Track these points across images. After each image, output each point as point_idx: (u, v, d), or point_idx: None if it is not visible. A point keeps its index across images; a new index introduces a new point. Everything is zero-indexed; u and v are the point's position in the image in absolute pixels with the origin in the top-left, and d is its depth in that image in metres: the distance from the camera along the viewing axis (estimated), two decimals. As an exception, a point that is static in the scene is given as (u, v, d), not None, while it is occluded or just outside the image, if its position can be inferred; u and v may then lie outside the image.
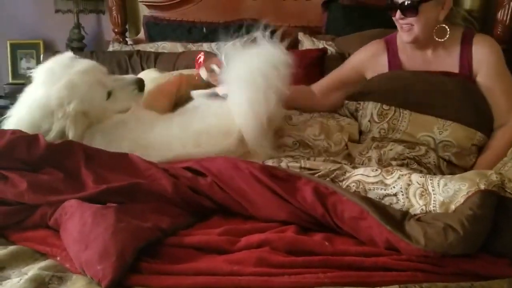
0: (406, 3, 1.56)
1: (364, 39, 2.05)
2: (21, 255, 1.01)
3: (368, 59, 1.76)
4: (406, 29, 1.60)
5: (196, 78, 1.72)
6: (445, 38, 1.62)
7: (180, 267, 0.94)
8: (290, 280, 0.91)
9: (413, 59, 1.69)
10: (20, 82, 2.99)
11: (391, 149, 1.50)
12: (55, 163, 1.23)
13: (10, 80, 3.13)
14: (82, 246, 0.96)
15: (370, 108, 1.64)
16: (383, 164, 1.45)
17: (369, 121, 1.63)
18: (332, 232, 1.12)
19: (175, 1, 2.76)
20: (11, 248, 1.03)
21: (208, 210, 1.19)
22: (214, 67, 1.63)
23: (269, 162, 1.42)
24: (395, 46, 1.73)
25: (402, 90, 1.62)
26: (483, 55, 1.60)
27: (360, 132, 1.70)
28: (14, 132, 1.28)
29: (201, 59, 1.72)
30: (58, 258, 1.00)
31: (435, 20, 1.60)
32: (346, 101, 1.75)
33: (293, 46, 2.56)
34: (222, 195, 1.18)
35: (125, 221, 1.01)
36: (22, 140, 1.23)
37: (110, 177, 1.19)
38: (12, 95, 2.97)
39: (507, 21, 2.31)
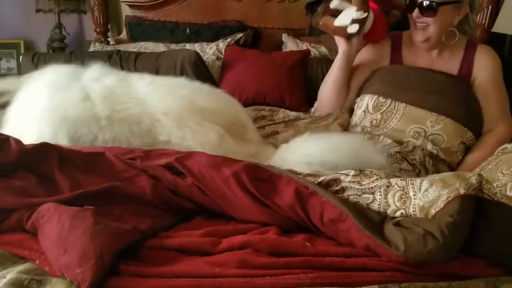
0: (425, 3, 1.60)
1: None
2: (-1, 258, 1.00)
3: (375, 53, 1.81)
4: (421, 28, 1.65)
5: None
6: (453, 42, 1.68)
7: (160, 269, 0.93)
8: (272, 281, 0.91)
9: (417, 58, 1.74)
10: None
11: (380, 141, 1.52)
12: (28, 167, 1.19)
13: (-10, 80, 3.08)
14: (61, 249, 0.95)
15: (366, 99, 1.69)
16: None
17: (363, 111, 1.66)
18: (313, 233, 1.12)
19: (157, 1, 2.75)
20: (-12, 251, 1.02)
21: (190, 211, 1.19)
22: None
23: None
24: (400, 43, 1.78)
25: (399, 83, 1.66)
26: (484, 62, 1.68)
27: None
28: None
29: None
30: (37, 262, 0.99)
31: (449, 24, 1.66)
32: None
33: (277, 47, 2.58)
34: (203, 197, 1.17)
35: (104, 224, 1.00)
36: None
37: (86, 181, 1.16)
38: (-8, 95, 2.94)
39: (486, 24, 2.35)
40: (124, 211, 1.09)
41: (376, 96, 1.66)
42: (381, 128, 1.59)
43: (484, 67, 1.68)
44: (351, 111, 1.79)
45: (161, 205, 1.16)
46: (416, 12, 1.63)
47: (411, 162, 1.46)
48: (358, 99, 1.73)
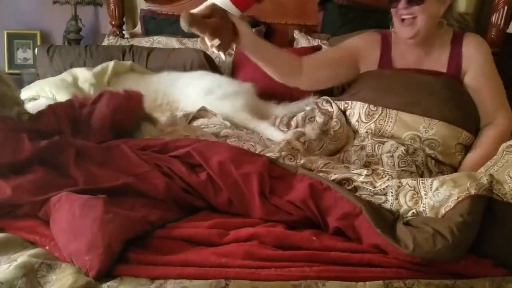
0: None
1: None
2: (11, 242, 1.02)
3: (364, 47, 1.73)
4: (408, 22, 1.57)
5: None
6: (442, 31, 1.61)
7: (168, 258, 0.95)
8: (277, 273, 0.92)
9: (405, 57, 1.68)
10: (16, 72, 3.00)
11: (385, 141, 1.51)
12: (43, 162, 1.20)
13: (6, 70, 3.12)
14: (70, 236, 0.97)
15: (358, 108, 1.64)
16: (375, 158, 1.47)
17: (357, 121, 1.63)
18: (321, 229, 1.13)
19: (172, -4, 2.77)
20: (1, 235, 1.04)
21: (199, 207, 1.20)
22: None
23: (268, 153, 1.40)
24: (390, 42, 1.71)
25: (388, 89, 1.61)
26: (473, 53, 1.60)
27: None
28: None
29: None
30: (47, 248, 1.01)
31: (436, 14, 1.58)
32: (336, 101, 1.74)
33: (288, 43, 2.59)
34: (215, 197, 1.17)
35: (114, 212, 1.01)
36: (6, 145, 1.20)
37: (101, 174, 1.18)
38: (7, 85, 2.98)
39: (501, 25, 2.33)
40: (135, 202, 1.11)
41: (366, 105, 1.61)
42: (378, 137, 1.56)
43: (473, 59, 1.60)
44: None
45: (172, 202, 1.17)
46: (402, 2, 1.55)
47: (415, 164, 1.45)
48: (348, 106, 1.68)
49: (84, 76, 2.01)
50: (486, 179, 1.05)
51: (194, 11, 1.36)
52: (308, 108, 1.80)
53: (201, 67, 2.18)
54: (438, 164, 1.50)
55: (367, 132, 1.59)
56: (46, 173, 1.18)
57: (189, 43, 2.51)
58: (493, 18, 2.35)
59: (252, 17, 2.66)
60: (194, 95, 1.89)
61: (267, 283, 0.89)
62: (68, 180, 1.18)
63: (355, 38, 1.77)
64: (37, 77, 2.64)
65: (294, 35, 2.58)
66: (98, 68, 2.08)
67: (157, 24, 2.72)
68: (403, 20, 1.58)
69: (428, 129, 1.52)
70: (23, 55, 3.15)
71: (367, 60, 1.71)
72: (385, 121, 1.57)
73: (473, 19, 2.26)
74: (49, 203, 1.09)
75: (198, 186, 1.18)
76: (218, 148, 1.29)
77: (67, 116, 1.44)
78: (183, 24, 1.31)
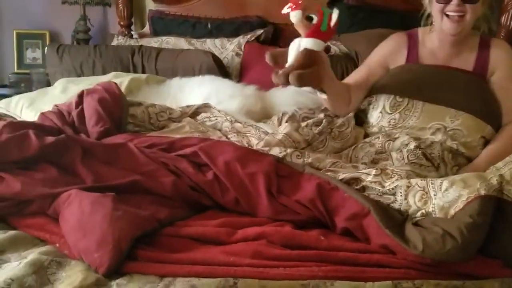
0: None
1: (371, 37, 2.06)
2: (21, 239, 1.03)
3: (391, 51, 1.76)
4: (456, 19, 1.58)
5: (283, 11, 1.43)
6: (471, 33, 1.65)
7: (176, 256, 0.95)
8: (285, 272, 0.92)
9: (435, 55, 1.70)
10: (25, 72, 3.02)
11: (397, 137, 1.51)
12: (50, 161, 1.21)
13: (15, 70, 3.14)
14: (80, 234, 0.98)
15: (382, 100, 1.65)
16: (384, 154, 1.46)
17: (380, 112, 1.64)
18: (329, 229, 1.13)
19: (180, -4, 2.77)
20: (12, 232, 1.05)
21: (207, 206, 1.20)
22: (314, 16, 1.37)
23: (276, 151, 1.40)
24: (417, 40, 1.74)
25: (415, 82, 1.63)
26: (501, 57, 1.66)
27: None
28: (1, 131, 1.24)
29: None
30: (57, 245, 1.02)
31: (479, 14, 1.62)
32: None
33: (297, 44, 2.58)
34: (222, 196, 1.18)
35: (123, 210, 1.02)
36: (13, 142, 1.20)
37: (108, 173, 1.18)
38: (17, 84, 3.00)
39: (511, 25, 2.31)
40: (143, 200, 1.12)
41: (392, 96, 1.63)
42: (400, 127, 1.58)
43: (501, 61, 1.65)
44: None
45: (179, 200, 1.18)
46: (456, 0, 1.56)
47: (429, 157, 1.45)
48: (372, 99, 1.70)
49: None
50: (496, 180, 1.04)
51: (290, 62, 1.35)
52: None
53: (210, 69, 2.19)
54: (455, 157, 1.50)
55: (379, 130, 1.59)
56: (54, 170, 1.19)
57: (197, 43, 2.51)
58: (503, 19, 2.34)
59: (259, 18, 2.67)
60: (194, 102, 1.90)
61: (275, 282, 0.89)
62: (75, 178, 1.19)
63: (382, 45, 1.80)
64: (46, 76, 2.66)
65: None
66: None
67: (165, 24, 2.73)
68: (448, 16, 1.60)
69: (454, 119, 1.55)
70: (32, 55, 3.17)
71: (395, 60, 1.75)
72: (410, 111, 1.59)
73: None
74: (58, 200, 1.10)
75: (205, 185, 1.19)
76: (224, 148, 1.29)
77: (63, 120, 1.46)
78: (296, 85, 1.32)
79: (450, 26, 1.61)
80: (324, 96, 1.52)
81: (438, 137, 1.52)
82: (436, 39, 1.70)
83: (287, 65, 1.36)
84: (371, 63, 1.79)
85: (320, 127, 1.56)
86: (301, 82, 1.30)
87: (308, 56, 1.33)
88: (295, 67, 1.31)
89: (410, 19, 1.95)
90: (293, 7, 1.37)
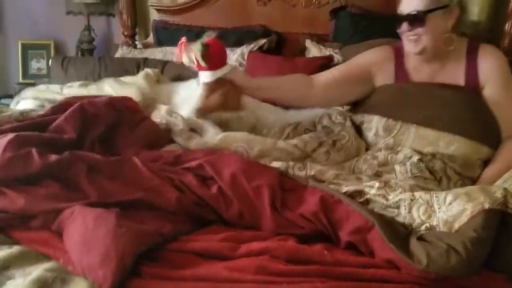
0: (412, 14, 1.52)
1: (372, 47, 2.05)
2: (25, 255, 1.03)
3: (377, 62, 1.70)
4: (413, 39, 1.56)
5: (175, 60, 1.68)
6: (452, 47, 1.57)
7: (180, 272, 0.95)
8: (289, 288, 0.92)
9: (419, 71, 1.65)
10: (30, 82, 3.04)
11: (399, 151, 1.50)
12: (54, 177, 1.21)
13: (20, 80, 3.17)
14: (83, 250, 0.98)
15: (375, 122, 1.62)
16: (388, 167, 1.46)
17: (374, 134, 1.61)
18: (333, 243, 1.13)
19: (184, 6, 2.79)
20: (16, 248, 1.05)
21: (210, 220, 1.20)
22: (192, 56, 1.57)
23: (277, 164, 1.40)
24: (403, 55, 1.68)
25: (407, 104, 1.58)
26: (490, 67, 1.57)
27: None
28: (5, 149, 1.22)
29: (183, 43, 1.61)
30: (61, 261, 1.02)
31: (443, 29, 1.55)
32: (351, 114, 1.72)
33: (300, 53, 2.59)
34: (227, 210, 1.18)
35: (126, 226, 1.02)
36: (16, 160, 1.19)
37: (112, 188, 1.18)
38: (22, 94, 3.02)
39: (515, 33, 2.31)
40: (146, 215, 1.12)
41: (385, 119, 1.59)
42: (396, 151, 1.53)
43: (490, 73, 1.56)
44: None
45: (183, 214, 1.17)
46: (404, 25, 1.54)
47: (432, 170, 1.43)
48: (364, 119, 1.66)
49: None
50: (501, 193, 1.04)
51: (200, 100, 1.61)
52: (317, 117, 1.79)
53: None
54: (458, 173, 1.48)
55: (383, 145, 1.58)
56: (57, 187, 1.19)
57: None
58: (507, 26, 2.33)
59: (263, 27, 2.68)
60: (177, 104, 1.93)
61: (279, 299, 0.89)
62: (79, 194, 1.19)
63: (365, 54, 1.75)
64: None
65: (306, 44, 2.59)
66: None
67: (169, 34, 2.75)
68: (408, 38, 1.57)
69: (449, 145, 1.49)
70: (37, 65, 3.20)
71: (382, 74, 1.69)
72: (404, 135, 1.54)
73: (485, 28, 2.24)
74: (62, 216, 1.10)
75: (209, 199, 1.19)
76: (229, 160, 1.29)
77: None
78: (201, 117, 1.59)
79: (409, 46, 1.58)
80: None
81: (437, 157, 1.49)
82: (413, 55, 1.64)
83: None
84: (354, 64, 1.74)
85: (316, 137, 1.56)
86: (203, 115, 1.60)
87: (206, 89, 1.59)
88: (199, 103, 1.61)
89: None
90: (178, 52, 1.60)
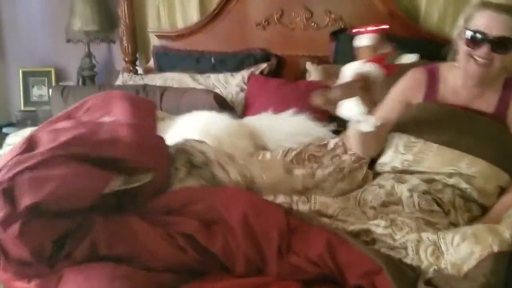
0: (502, 39, 1.44)
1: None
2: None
3: (409, 88, 1.66)
4: (483, 63, 1.48)
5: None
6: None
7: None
8: None
9: (456, 94, 1.60)
10: (32, 110, 3.05)
11: (406, 181, 1.47)
12: None
13: (22, 107, 3.17)
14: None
15: (396, 138, 1.59)
16: (394, 197, 1.43)
17: (394, 151, 1.58)
18: (338, 285, 1.10)
19: (183, 32, 2.79)
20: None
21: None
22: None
23: (281, 199, 1.37)
24: (437, 77, 1.64)
25: (430, 123, 1.56)
26: None
27: (373, 160, 1.66)
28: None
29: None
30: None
31: (511, 60, 1.52)
32: None
33: (300, 75, 2.58)
34: (232, 261, 1.14)
35: (123, 271, 1.00)
36: None
37: (108, 246, 1.12)
38: (24, 122, 3.02)
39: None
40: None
41: (407, 136, 1.57)
42: (412, 171, 1.52)
43: None
44: None
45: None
46: (485, 48, 1.45)
47: (439, 202, 1.41)
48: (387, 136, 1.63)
49: None
50: (509, 234, 1.01)
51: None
52: (332, 144, 1.76)
53: (212, 108, 2.18)
54: (467, 203, 1.44)
55: (392, 170, 1.56)
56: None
57: (201, 79, 2.52)
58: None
59: (263, 50, 2.67)
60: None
61: None
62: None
63: (400, 82, 1.69)
64: (51, 115, 2.68)
65: (306, 66, 2.58)
66: None
67: (169, 59, 2.75)
68: (475, 59, 1.49)
69: (470, 166, 1.46)
70: (38, 92, 3.20)
71: (414, 97, 1.65)
72: (424, 154, 1.52)
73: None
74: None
75: (218, 251, 1.13)
76: (237, 198, 1.24)
77: None
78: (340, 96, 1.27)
79: (475, 69, 1.50)
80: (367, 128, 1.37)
81: (452, 180, 1.46)
82: (460, 77, 1.59)
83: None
84: (391, 101, 1.68)
85: (327, 171, 1.54)
86: (347, 92, 1.26)
87: (365, 79, 1.29)
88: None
89: (426, 49, 1.91)
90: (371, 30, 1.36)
